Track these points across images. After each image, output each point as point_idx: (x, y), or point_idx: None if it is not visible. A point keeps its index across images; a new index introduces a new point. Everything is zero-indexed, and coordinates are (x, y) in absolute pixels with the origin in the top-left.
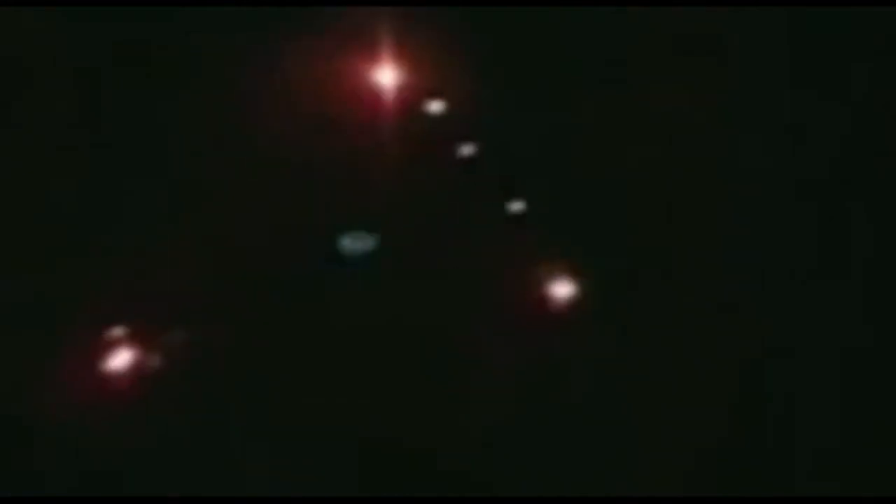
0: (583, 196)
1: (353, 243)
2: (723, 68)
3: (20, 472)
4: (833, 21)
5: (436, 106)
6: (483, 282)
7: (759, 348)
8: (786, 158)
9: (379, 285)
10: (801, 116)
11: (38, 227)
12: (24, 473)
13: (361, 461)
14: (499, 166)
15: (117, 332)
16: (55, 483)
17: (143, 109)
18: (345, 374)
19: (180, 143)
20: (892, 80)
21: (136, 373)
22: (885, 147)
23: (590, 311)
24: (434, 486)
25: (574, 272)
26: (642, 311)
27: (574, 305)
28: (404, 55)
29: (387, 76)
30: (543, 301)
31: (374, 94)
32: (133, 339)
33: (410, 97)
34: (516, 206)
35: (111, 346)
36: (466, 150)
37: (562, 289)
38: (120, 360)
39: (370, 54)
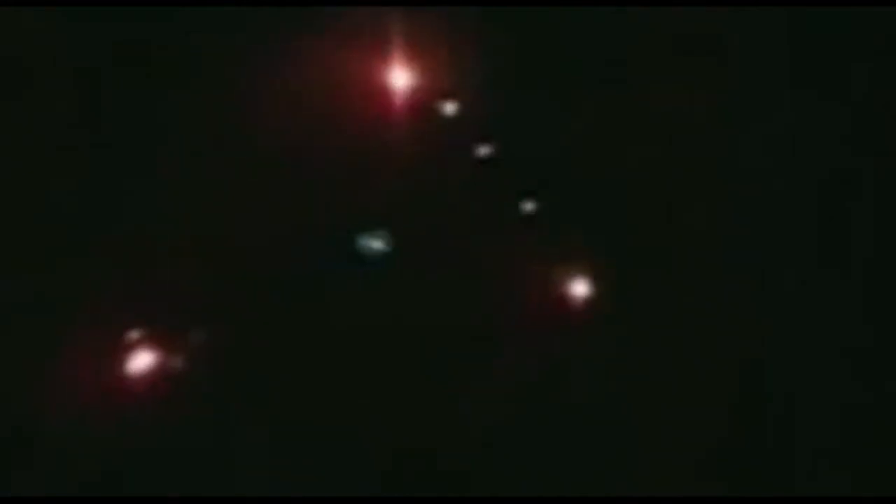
0: (582, 196)
1: (371, 243)
2: (723, 68)
3: (20, 472)
4: (833, 21)
5: (447, 107)
6: (485, 282)
7: (759, 348)
8: (786, 158)
9: (387, 285)
10: (801, 116)
11: (38, 227)
12: (24, 473)
13: (361, 461)
14: (505, 167)
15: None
16: (55, 483)
17: (143, 109)
18: (345, 374)
19: (180, 143)
20: (892, 80)
21: (136, 373)
22: (885, 147)
23: (590, 310)
24: (434, 486)
25: (575, 272)
26: (642, 310)
27: (575, 305)
28: (405, 54)
29: (389, 75)
30: (547, 301)
31: (375, 93)
32: (134, 339)
33: (412, 96)
34: (525, 208)
35: (112, 346)
36: (475, 150)
37: (565, 289)
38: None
39: (371, 53)
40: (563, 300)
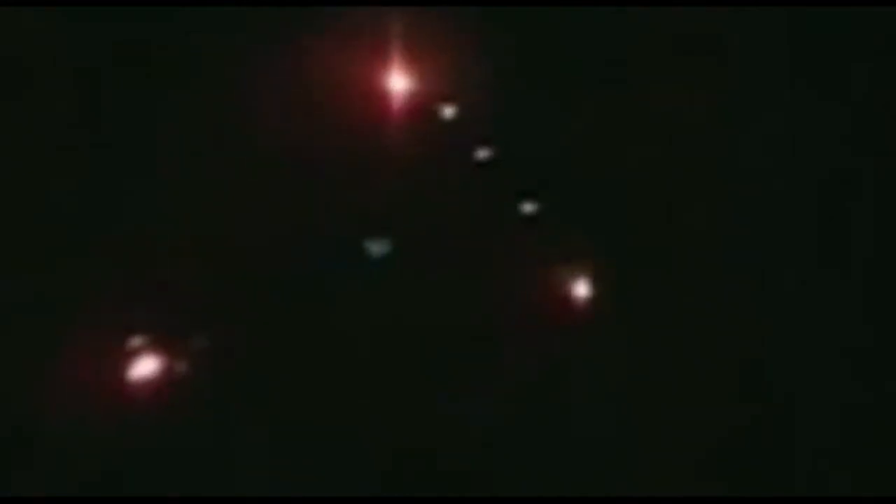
0: (583, 197)
1: (372, 246)
2: (723, 68)
3: (20, 472)
4: (833, 21)
5: (447, 109)
6: (485, 282)
7: (759, 348)
8: (786, 158)
9: (387, 286)
10: (801, 116)
11: (38, 227)
12: (24, 473)
13: (361, 461)
14: (505, 169)
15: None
16: (55, 483)
17: (143, 109)
18: (345, 374)
19: (180, 143)
20: (892, 80)
21: (136, 373)
22: (885, 147)
23: (590, 311)
24: (434, 486)
25: (575, 273)
26: (642, 311)
27: (575, 306)
28: (405, 55)
29: (389, 76)
30: (547, 301)
31: (375, 94)
32: (134, 339)
33: (412, 97)
34: (525, 209)
35: (112, 346)
36: (475, 152)
37: (566, 289)
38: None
39: (371, 54)
40: (564, 300)
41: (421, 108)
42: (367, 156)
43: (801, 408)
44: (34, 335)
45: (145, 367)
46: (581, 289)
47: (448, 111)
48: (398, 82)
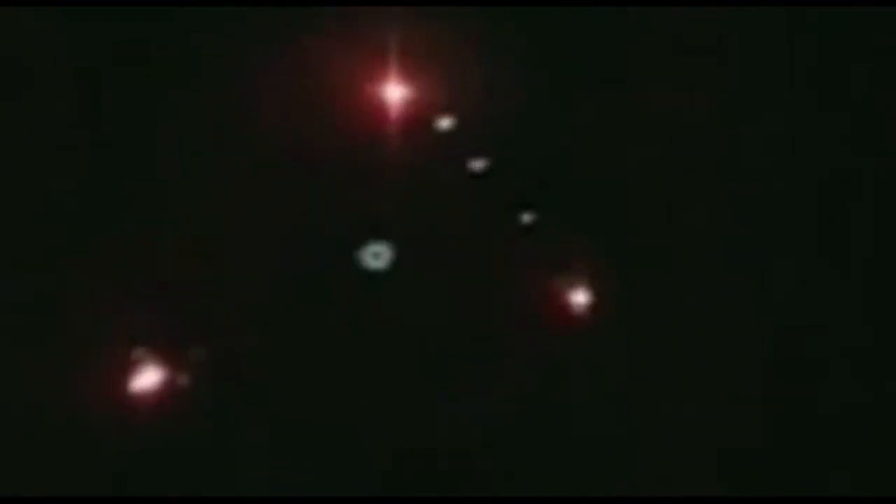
0: (583, 197)
1: (371, 256)
2: (723, 68)
3: (20, 473)
4: (833, 21)
5: (443, 121)
6: (485, 285)
7: (759, 348)
8: (786, 158)
9: (388, 288)
10: (801, 116)
11: (38, 227)
12: (25, 473)
13: (361, 461)
14: (505, 173)
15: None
16: (55, 483)
17: (143, 109)
18: (345, 374)
19: (180, 144)
20: (892, 80)
21: (136, 374)
22: (885, 147)
23: (590, 311)
24: (434, 486)
25: (575, 274)
26: (642, 311)
27: (575, 306)
28: (404, 58)
29: (388, 79)
30: (547, 303)
31: (373, 98)
32: (133, 340)
33: (410, 103)
34: (525, 212)
35: (112, 347)
36: (472, 160)
37: (566, 291)
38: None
39: (370, 54)
40: (563, 302)
41: (418, 116)
42: (366, 159)
43: (801, 408)
44: (33, 335)
45: (145, 367)
46: (581, 289)
47: (445, 122)
48: (396, 87)
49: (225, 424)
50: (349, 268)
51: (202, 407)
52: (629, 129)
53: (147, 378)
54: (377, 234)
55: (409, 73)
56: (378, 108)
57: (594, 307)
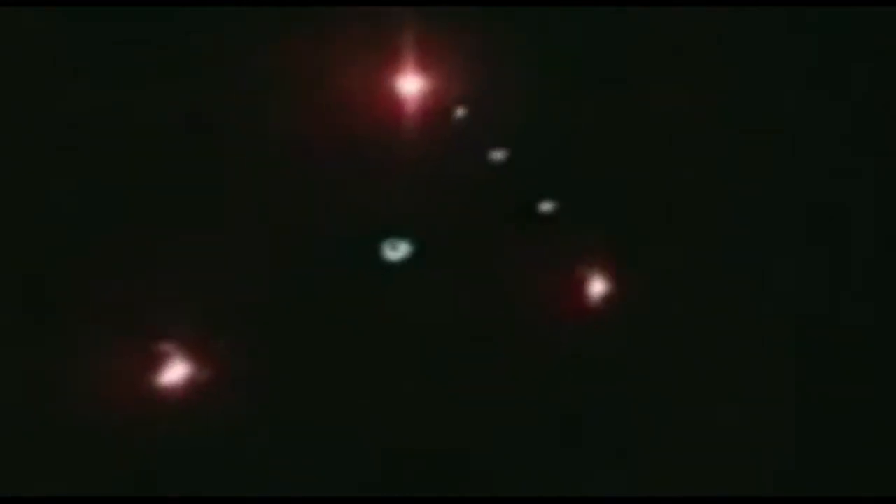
0: (581, 197)
1: (390, 249)
2: (723, 68)
3: (19, 472)
4: (833, 21)
5: (458, 111)
6: (503, 279)
7: (759, 348)
8: (786, 158)
9: (401, 287)
10: (801, 116)
11: (38, 227)
12: (25, 473)
13: (361, 461)
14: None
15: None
16: (56, 483)
17: (142, 109)
18: (345, 374)
19: (180, 144)
20: (892, 80)
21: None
22: (885, 147)
23: (589, 310)
24: (434, 486)
25: (586, 271)
26: (642, 311)
27: (576, 306)
28: (415, 54)
29: (399, 75)
30: (549, 302)
31: (385, 95)
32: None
33: (424, 98)
34: (543, 207)
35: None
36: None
37: (584, 282)
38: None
39: (380, 54)
40: (582, 292)
41: (433, 108)
42: (382, 151)
43: (801, 407)
44: (33, 335)
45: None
46: (600, 281)
47: (461, 112)
48: (411, 79)
49: (224, 424)
50: (367, 260)
51: (201, 408)
52: (629, 129)
53: (171, 373)
54: (395, 227)
55: (424, 66)
56: (394, 101)
57: (593, 307)
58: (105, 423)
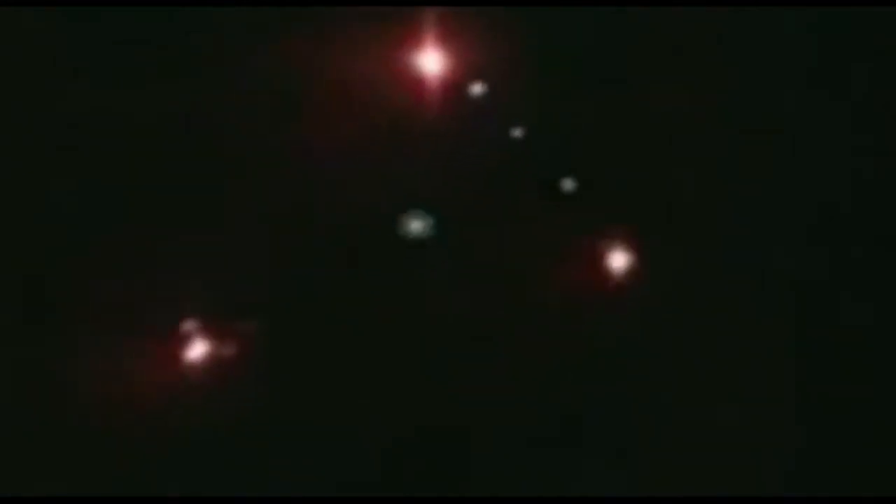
0: (582, 197)
1: (412, 225)
2: (723, 68)
3: (20, 472)
4: (833, 21)
5: (475, 88)
6: (522, 259)
7: (759, 348)
8: (786, 158)
9: (422, 266)
10: (801, 116)
11: (38, 227)
12: (25, 472)
13: (360, 461)
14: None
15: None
16: (55, 483)
17: (143, 109)
18: (345, 373)
19: (180, 144)
20: (892, 80)
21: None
22: (885, 147)
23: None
24: (434, 485)
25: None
26: (641, 311)
27: (614, 274)
28: (431, 41)
29: (418, 59)
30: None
31: (406, 77)
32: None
33: (440, 75)
34: (564, 185)
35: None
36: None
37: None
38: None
39: (398, 41)
40: (602, 269)
41: (450, 87)
42: (399, 128)
43: (801, 407)
44: (33, 335)
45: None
46: (619, 257)
47: (478, 88)
48: (428, 55)
49: (223, 424)
50: (387, 237)
51: (199, 407)
52: (629, 129)
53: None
54: (416, 203)
55: (440, 42)
56: (409, 84)
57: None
58: (105, 423)
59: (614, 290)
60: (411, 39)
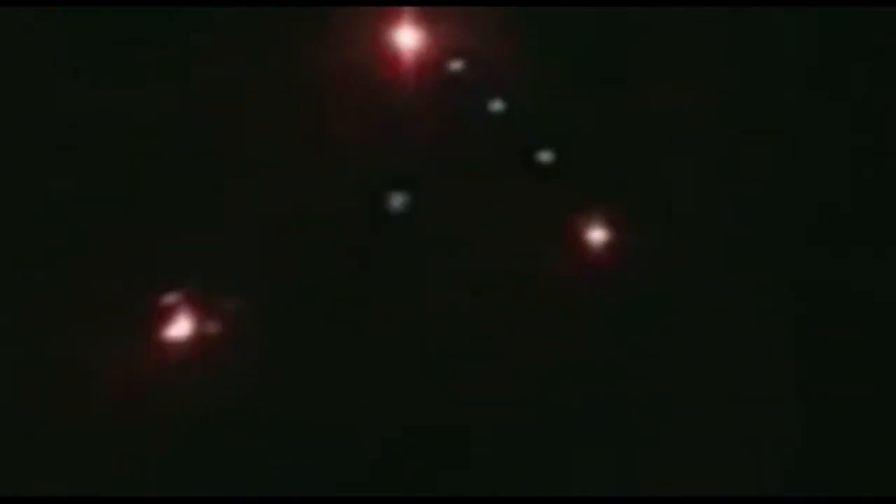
0: (582, 197)
1: (396, 200)
2: (723, 68)
3: (19, 471)
4: (833, 21)
5: (454, 64)
6: (504, 236)
7: (759, 348)
8: (786, 158)
9: (407, 240)
10: (801, 116)
11: (38, 227)
12: (24, 471)
13: (360, 460)
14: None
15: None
16: (53, 483)
17: (142, 109)
18: (344, 372)
19: (180, 144)
20: (892, 80)
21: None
22: (886, 147)
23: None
24: (434, 485)
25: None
26: (641, 311)
27: (595, 248)
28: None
29: (400, 38)
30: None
31: (388, 56)
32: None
33: (421, 51)
34: (541, 157)
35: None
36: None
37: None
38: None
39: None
40: (584, 244)
41: (430, 63)
42: (381, 104)
43: (800, 407)
44: (33, 336)
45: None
46: (600, 230)
47: (457, 65)
48: (408, 32)
49: (222, 423)
50: (368, 260)
51: (198, 406)
52: (629, 129)
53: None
54: (398, 179)
55: (420, 19)
56: (391, 54)
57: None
58: (105, 422)
59: (614, 291)
60: (415, 39)
